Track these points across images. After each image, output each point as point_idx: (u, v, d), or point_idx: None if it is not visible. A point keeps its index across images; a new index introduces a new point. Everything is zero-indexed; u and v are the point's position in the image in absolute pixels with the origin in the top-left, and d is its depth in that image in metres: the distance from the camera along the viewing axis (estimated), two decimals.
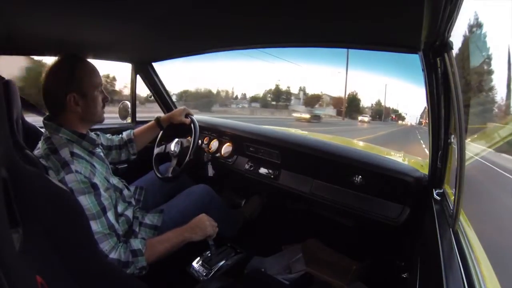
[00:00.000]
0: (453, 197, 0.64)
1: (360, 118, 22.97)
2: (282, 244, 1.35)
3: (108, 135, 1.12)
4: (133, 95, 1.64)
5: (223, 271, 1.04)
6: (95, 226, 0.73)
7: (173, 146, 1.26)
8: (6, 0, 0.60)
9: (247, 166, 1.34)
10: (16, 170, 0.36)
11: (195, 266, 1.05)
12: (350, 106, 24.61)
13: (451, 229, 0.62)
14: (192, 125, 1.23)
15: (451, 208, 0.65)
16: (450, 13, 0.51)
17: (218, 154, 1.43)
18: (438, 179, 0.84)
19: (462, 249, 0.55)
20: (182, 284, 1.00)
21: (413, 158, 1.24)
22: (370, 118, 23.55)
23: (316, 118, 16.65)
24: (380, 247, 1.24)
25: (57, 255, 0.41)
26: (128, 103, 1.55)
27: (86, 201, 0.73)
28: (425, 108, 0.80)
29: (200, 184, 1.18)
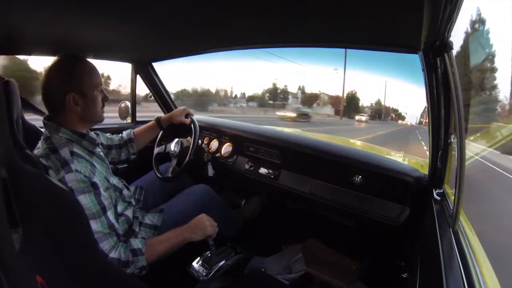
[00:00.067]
0: (453, 197, 0.64)
1: (357, 117, 21.98)
2: (282, 244, 1.35)
3: (108, 134, 1.12)
4: (133, 95, 1.64)
5: (223, 271, 1.04)
6: (95, 225, 0.73)
7: (173, 146, 1.26)
8: (6, 0, 0.60)
9: (247, 166, 1.34)
10: (16, 170, 0.36)
11: (195, 266, 1.05)
12: (348, 105, 24.20)
13: (451, 229, 0.62)
14: (192, 125, 1.23)
15: (451, 208, 0.65)
16: (450, 13, 0.51)
17: (218, 154, 1.43)
18: (438, 179, 0.84)
19: (462, 249, 0.55)
20: (182, 284, 1.00)
21: (413, 158, 1.24)
22: (368, 117, 22.66)
23: (303, 117, 14.92)
24: (380, 247, 1.24)
25: (57, 255, 0.41)
26: (128, 103, 1.55)
27: (86, 200, 0.73)
28: (425, 107, 0.80)
29: (200, 184, 1.18)
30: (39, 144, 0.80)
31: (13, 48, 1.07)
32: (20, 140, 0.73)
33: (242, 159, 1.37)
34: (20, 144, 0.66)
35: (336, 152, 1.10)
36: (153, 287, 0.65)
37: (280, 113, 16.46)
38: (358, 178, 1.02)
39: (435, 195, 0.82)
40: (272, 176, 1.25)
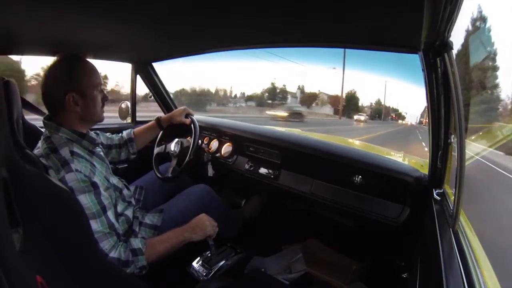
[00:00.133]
0: (453, 197, 0.64)
1: (355, 117, 20.83)
2: (282, 244, 1.35)
3: (108, 134, 1.12)
4: (133, 95, 1.64)
5: (223, 271, 1.04)
6: (95, 225, 0.73)
7: (173, 146, 1.26)
8: (6, 0, 0.60)
9: (247, 166, 1.34)
10: (16, 170, 0.36)
11: (195, 266, 1.05)
12: (348, 105, 23.86)
13: (451, 229, 0.62)
14: (192, 125, 1.23)
15: (451, 208, 0.65)
16: (450, 13, 0.51)
17: (218, 154, 1.43)
18: (438, 179, 0.84)
19: (462, 249, 0.55)
20: (182, 284, 1.00)
21: (413, 158, 1.24)
22: (367, 117, 21.83)
23: (296, 116, 13.71)
24: (380, 247, 1.24)
25: (57, 255, 0.41)
26: (128, 103, 1.55)
27: (86, 200, 0.73)
28: (425, 107, 0.80)
29: (200, 184, 1.18)
30: (39, 144, 0.80)
31: (13, 48, 1.07)
32: (20, 140, 0.73)
33: (242, 159, 1.38)
34: (20, 144, 0.66)
35: (336, 152, 1.10)
36: (153, 287, 0.65)
37: (270, 112, 15.25)
38: (358, 178, 1.02)
39: (435, 195, 0.82)
40: (272, 176, 1.25)
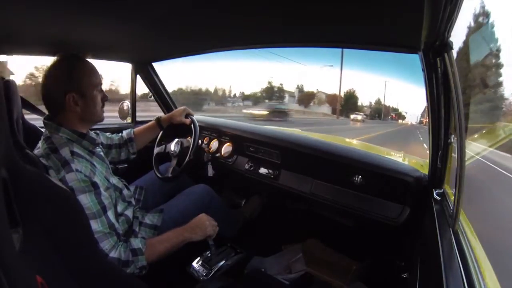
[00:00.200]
0: (453, 197, 0.64)
1: (352, 116, 19.93)
2: (282, 244, 1.35)
3: (107, 134, 1.12)
4: (133, 95, 1.64)
5: (223, 271, 1.04)
6: (95, 225, 0.73)
7: (173, 146, 1.26)
8: (6, 0, 0.60)
9: (247, 166, 1.34)
10: (16, 170, 0.36)
11: (195, 266, 1.05)
12: (346, 104, 23.48)
13: (451, 229, 0.62)
14: (192, 125, 1.23)
15: (451, 208, 0.65)
16: (450, 13, 0.51)
17: (218, 154, 1.43)
18: (438, 179, 0.84)
19: (462, 249, 0.55)
20: (182, 284, 1.00)
21: (413, 158, 1.24)
22: (364, 116, 20.96)
23: (278, 115, 12.07)
24: (380, 247, 1.24)
25: (57, 255, 0.41)
26: (128, 103, 1.55)
27: (86, 199, 0.73)
28: (426, 107, 0.80)
29: (200, 184, 1.18)
30: (39, 144, 0.80)
31: (13, 48, 1.07)
32: (20, 140, 0.73)
33: (242, 159, 1.38)
34: (20, 144, 0.66)
35: (336, 152, 1.10)
36: (153, 287, 0.65)
37: (247, 110, 13.53)
38: (358, 178, 1.02)
39: (435, 195, 0.82)
40: (272, 176, 1.25)
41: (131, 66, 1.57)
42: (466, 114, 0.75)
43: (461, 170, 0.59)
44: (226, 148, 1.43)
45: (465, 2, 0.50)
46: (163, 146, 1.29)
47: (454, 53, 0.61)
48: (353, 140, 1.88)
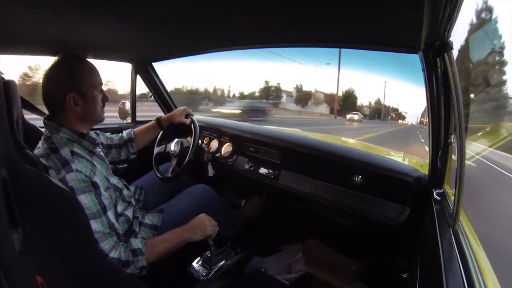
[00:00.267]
0: (453, 197, 0.64)
1: (348, 116, 18.50)
2: (282, 244, 1.35)
3: (107, 134, 1.12)
4: (133, 95, 1.64)
5: (223, 271, 1.04)
6: (95, 225, 0.73)
7: (173, 146, 1.26)
8: (6, 0, 0.60)
9: (247, 166, 1.34)
10: (16, 170, 0.36)
11: (195, 266, 1.05)
12: (345, 104, 23.11)
13: (451, 229, 0.62)
14: (192, 125, 1.23)
15: (451, 208, 0.65)
16: (450, 13, 0.51)
17: (218, 154, 1.43)
18: (438, 179, 0.84)
19: (462, 249, 0.55)
20: (182, 284, 1.00)
21: (413, 158, 1.24)
22: (361, 116, 19.88)
23: (254, 114, 10.37)
24: (380, 247, 1.24)
25: (57, 255, 0.41)
26: (128, 103, 1.55)
27: (86, 199, 0.73)
28: (426, 107, 0.80)
29: (200, 184, 1.18)
30: (40, 144, 0.80)
31: (13, 48, 1.07)
32: (20, 140, 0.73)
33: (242, 159, 1.38)
34: (20, 144, 0.66)
35: (336, 152, 1.10)
36: (153, 287, 0.65)
37: (215, 109, 11.83)
38: (358, 178, 1.02)
39: (435, 195, 0.82)
40: (272, 176, 1.25)
41: (131, 66, 1.57)
42: (466, 114, 0.76)
43: (461, 170, 0.59)
44: (226, 148, 1.44)
45: (465, 2, 0.50)
46: (163, 146, 1.29)
47: (456, 51, 0.61)
48: (348, 139, 1.88)
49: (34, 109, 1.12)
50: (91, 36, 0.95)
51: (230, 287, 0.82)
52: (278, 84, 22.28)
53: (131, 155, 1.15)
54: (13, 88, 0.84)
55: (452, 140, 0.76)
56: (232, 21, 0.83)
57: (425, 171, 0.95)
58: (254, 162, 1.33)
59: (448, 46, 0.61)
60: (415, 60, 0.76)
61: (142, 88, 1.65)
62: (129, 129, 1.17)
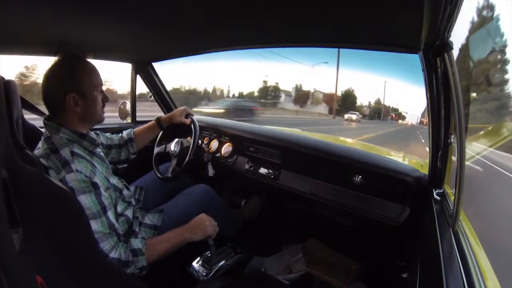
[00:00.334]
0: (453, 197, 0.64)
1: (346, 116, 18.05)
2: (282, 244, 1.35)
3: (107, 134, 1.12)
4: (133, 95, 1.64)
5: (223, 271, 1.04)
6: (95, 225, 0.73)
7: (173, 146, 1.26)
8: (6, 0, 0.60)
9: (247, 166, 1.34)
10: (16, 170, 0.36)
11: (195, 266, 1.05)
12: (344, 104, 22.86)
13: (451, 229, 0.62)
14: (192, 125, 1.23)
15: (451, 208, 0.65)
16: (450, 13, 0.51)
17: (218, 154, 1.44)
18: (438, 179, 0.84)
19: (462, 249, 0.55)
20: (182, 284, 1.00)
21: (413, 158, 1.24)
22: (360, 116, 19.31)
23: (240, 114, 9.53)
24: (380, 247, 1.24)
25: (57, 255, 0.41)
26: (128, 103, 1.55)
27: (86, 200, 0.73)
28: (426, 107, 0.80)
29: (200, 184, 1.18)
30: (40, 144, 0.80)
31: (12, 48, 1.07)
32: (20, 140, 0.73)
33: (242, 159, 1.38)
34: (20, 144, 0.66)
35: (336, 152, 1.10)
36: (153, 287, 0.65)
37: (197, 109, 10.04)
38: (358, 178, 1.02)
39: (435, 195, 0.82)
40: (272, 176, 1.25)
41: (131, 66, 1.57)
42: (467, 114, 0.76)
43: (461, 170, 0.59)
44: (226, 148, 1.44)
45: (465, 2, 0.50)
46: (163, 146, 1.29)
47: (457, 50, 0.61)
48: (347, 139, 1.88)
49: (34, 109, 1.12)
50: (91, 36, 0.95)
51: (230, 287, 0.82)
52: (277, 83, 22.20)
53: (131, 155, 1.15)
54: (13, 88, 0.84)
55: (452, 140, 0.77)
56: (232, 21, 0.83)
57: (425, 171, 0.95)
58: (254, 162, 1.33)
59: (448, 46, 0.61)
60: (415, 60, 0.76)
61: (142, 88, 1.65)
62: (129, 129, 1.17)
